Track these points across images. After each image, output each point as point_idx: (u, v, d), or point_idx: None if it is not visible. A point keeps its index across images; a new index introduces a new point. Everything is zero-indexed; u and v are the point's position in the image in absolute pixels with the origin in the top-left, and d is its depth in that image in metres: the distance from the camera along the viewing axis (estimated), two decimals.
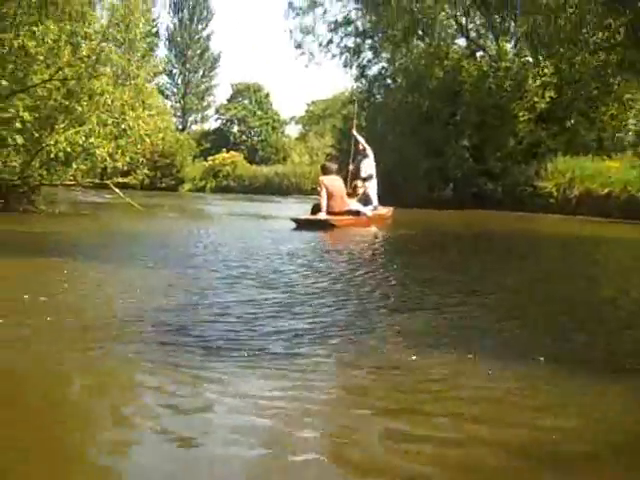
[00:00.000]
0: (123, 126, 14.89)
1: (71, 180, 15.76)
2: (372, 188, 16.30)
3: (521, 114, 24.60)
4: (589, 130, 24.36)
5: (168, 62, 66.71)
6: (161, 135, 17.19)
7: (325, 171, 14.96)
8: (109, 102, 14.74)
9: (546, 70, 24.06)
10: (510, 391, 3.16)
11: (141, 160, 16.81)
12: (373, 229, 14.25)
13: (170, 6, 66.51)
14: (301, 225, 13.38)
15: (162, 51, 68.81)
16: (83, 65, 14.76)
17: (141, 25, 15.42)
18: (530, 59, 25.31)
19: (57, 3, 14.89)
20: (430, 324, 4.60)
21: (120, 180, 16.67)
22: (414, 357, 3.64)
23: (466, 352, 3.76)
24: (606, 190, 20.30)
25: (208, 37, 67.92)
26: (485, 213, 21.33)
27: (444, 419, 2.80)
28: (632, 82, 14.19)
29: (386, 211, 16.87)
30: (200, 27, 67.46)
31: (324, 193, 14.10)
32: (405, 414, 2.87)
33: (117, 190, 16.41)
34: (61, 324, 4.22)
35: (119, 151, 15.16)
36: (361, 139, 16.90)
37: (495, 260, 9.25)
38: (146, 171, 43.21)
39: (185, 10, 66.62)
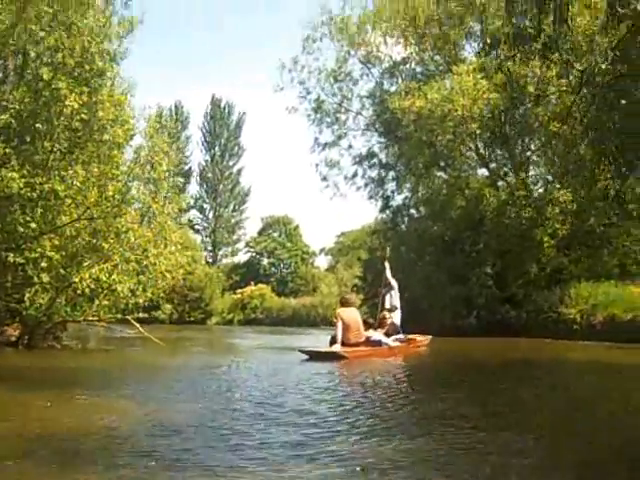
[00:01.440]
0: (145, 263, 15.33)
1: (94, 316, 16.10)
2: (396, 318, 16.50)
3: (544, 240, 24.80)
4: (611, 256, 24.41)
5: (199, 198, 68.67)
6: (181, 271, 17.47)
7: (343, 303, 15.23)
8: (132, 240, 15.24)
9: (565, 198, 24.39)
10: None
11: (162, 295, 17.06)
12: (393, 360, 14.24)
13: (203, 144, 68.96)
14: (312, 357, 13.50)
15: (194, 187, 70.95)
16: (109, 204, 15.33)
17: (164, 165, 16.02)
18: (548, 188, 25.76)
19: (86, 147, 15.62)
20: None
21: (141, 315, 16.95)
22: None
23: None
24: (630, 315, 20.17)
25: (239, 172, 69.89)
26: (508, 340, 21.16)
27: None
28: None
29: (423, 339, 17.19)
30: (231, 163, 69.59)
31: (340, 325, 14.28)
32: None
33: (138, 325, 16.71)
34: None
35: (140, 287, 15.55)
36: (388, 272, 17.23)
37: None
38: (168, 305, 44.24)
39: (217, 147, 68.83)
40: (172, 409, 6.81)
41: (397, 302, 16.85)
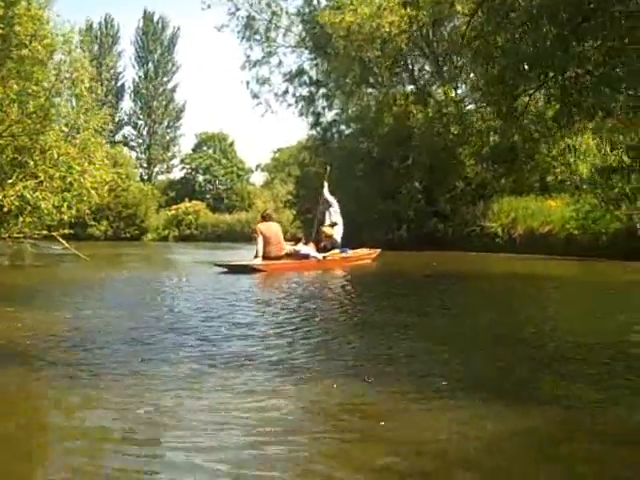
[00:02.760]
0: (69, 180, 15.39)
1: (19, 233, 16.18)
2: (338, 233, 16.92)
3: (468, 157, 25.44)
4: (533, 172, 25.12)
5: (133, 114, 67.57)
6: (106, 187, 17.54)
7: (264, 218, 15.60)
8: (56, 156, 15.26)
9: (489, 115, 24.86)
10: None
11: (87, 212, 17.14)
12: (322, 273, 14.56)
13: (136, 59, 67.49)
14: (229, 270, 13.88)
15: (127, 103, 69.70)
16: (30, 121, 15.27)
17: (86, 80, 15.94)
18: (473, 106, 26.22)
19: (5, 64, 15.43)
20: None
21: (69, 232, 17.04)
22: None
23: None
24: (547, 228, 21.00)
25: (173, 89, 68.73)
26: (436, 254, 21.82)
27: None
28: (575, 126, 14.90)
29: (369, 252, 17.73)
30: (165, 79, 68.29)
31: (260, 239, 14.65)
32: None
33: (64, 242, 16.84)
34: None
35: (65, 204, 15.63)
36: (326, 192, 17.56)
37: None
38: (104, 222, 44.17)
39: (150, 63, 67.45)
40: (100, 320, 7.10)
41: (338, 218, 17.29)
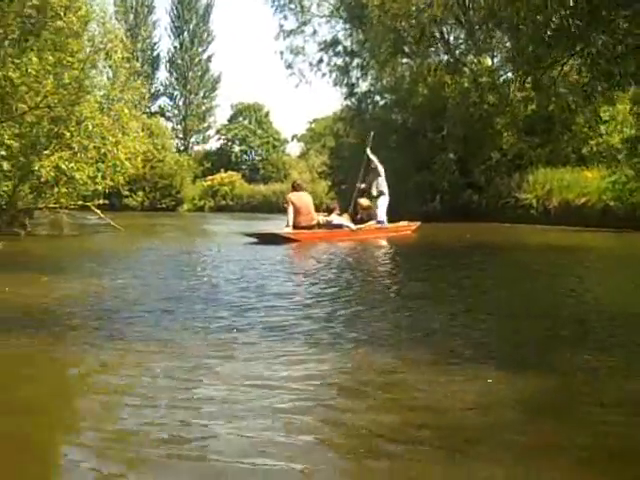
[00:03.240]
0: (103, 150, 15.56)
1: (56, 203, 16.42)
2: (382, 204, 16.93)
3: (504, 128, 25.18)
4: (570, 142, 24.81)
5: (169, 85, 67.71)
6: (140, 159, 17.69)
7: (295, 188, 15.67)
8: (90, 128, 15.41)
9: (526, 84, 24.53)
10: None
11: (122, 183, 17.31)
12: (352, 243, 14.57)
13: (171, 30, 67.48)
14: (260, 240, 13.98)
15: (163, 74, 69.87)
16: (66, 92, 15.42)
17: (119, 51, 16.04)
18: (511, 74, 25.86)
19: (40, 35, 15.59)
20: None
21: (102, 202, 17.26)
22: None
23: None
24: (582, 200, 20.77)
25: (209, 59, 68.66)
26: (470, 225, 21.74)
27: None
28: (606, 96, 14.63)
29: (410, 225, 17.73)
30: (200, 49, 68.23)
31: (291, 209, 14.77)
32: None
33: (98, 212, 17.07)
34: None
35: (100, 174, 15.82)
36: (374, 159, 17.49)
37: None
38: (140, 193, 44.58)
39: (186, 33, 67.43)
40: (133, 290, 7.24)
41: (384, 188, 17.28)
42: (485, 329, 5.34)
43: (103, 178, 16.04)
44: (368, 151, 17.78)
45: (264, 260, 10.46)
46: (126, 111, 16.49)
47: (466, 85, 26.05)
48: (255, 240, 14.05)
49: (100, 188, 16.20)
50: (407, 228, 17.51)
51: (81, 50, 16.55)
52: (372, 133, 18.71)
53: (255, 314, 5.71)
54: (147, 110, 48.31)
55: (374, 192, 17.26)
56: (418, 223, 18.10)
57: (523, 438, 2.97)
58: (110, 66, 16.54)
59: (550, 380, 3.85)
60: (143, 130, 46.23)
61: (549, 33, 10.26)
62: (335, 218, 15.66)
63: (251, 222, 25.95)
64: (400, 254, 13.00)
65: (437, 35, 27.79)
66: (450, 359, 4.25)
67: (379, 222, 16.57)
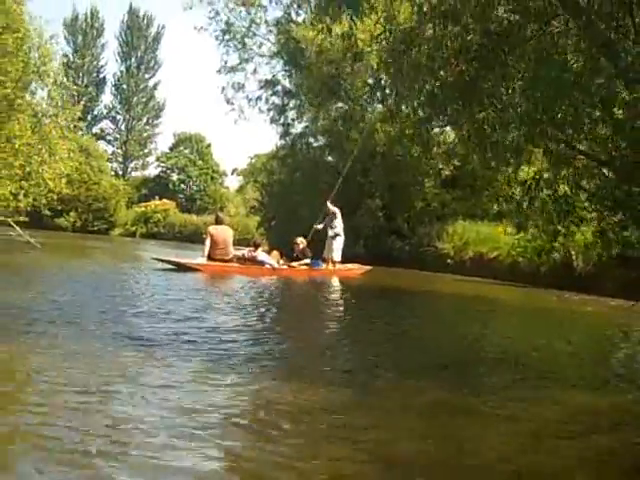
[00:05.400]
0: (28, 169, 15.82)
1: None
2: (338, 246, 18.23)
3: (427, 179, 26.11)
4: (489, 197, 25.73)
5: (113, 108, 67.74)
6: (64, 180, 17.94)
7: (216, 221, 16.20)
8: (17, 146, 15.68)
9: (451, 138, 25.49)
10: None
11: (44, 202, 17.54)
12: (264, 280, 14.85)
13: (119, 54, 67.69)
14: (169, 264, 14.69)
15: (107, 97, 69.92)
16: None
17: (52, 74, 16.37)
18: (437, 129, 26.85)
19: None
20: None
21: (21, 219, 17.44)
22: None
23: None
24: (495, 254, 21.66)
25: (154, 86, 69.04)
26: (391, 270, 22.43)
27: None
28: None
29: (349, 268, 18.43)
30: (147, 76, 68.58)
31: (208, 241, 15.29)
32: None
33: (17, 228, 17.22)
34: None
35: (22, 192, 16.05)
36: (333, 207, 18.85)
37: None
38: (72, 214, 44.46)
39: (133, 59, 67.70)
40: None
41: (340, 230, 18.21)
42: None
43: (25, 196, 16.30)
44: (328, 203, 18.53)
45: (159, 284, 11.02)
46: (54, 133, 16.79)
47: (393, 134, 26.86)
48: (167, 266, 14.51)
49: (22, 205, 16.45)
50: (349, 272, 18.14)
51: (16, 70, 16.77)
52: (337, 186, 19.42)
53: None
54: (84, 132, 48.34)
55: (331, 233, 18.05)
56: (367, 267, 18.73)
57: None
58: (43, 88, 16.81)
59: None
60: (81, 151, 46.39)
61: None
62: (260, 254, 16.11)
63: (173, 250, 26.23)
64: (312, 294, 13.54)
65: (371, 82, 28.59)
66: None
67: (314, 262, 17.03)
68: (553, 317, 12.01)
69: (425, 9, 9.04)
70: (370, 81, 28.41)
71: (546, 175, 9.56)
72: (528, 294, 16.98)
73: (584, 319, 11.81)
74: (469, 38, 8.59)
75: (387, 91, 28.97)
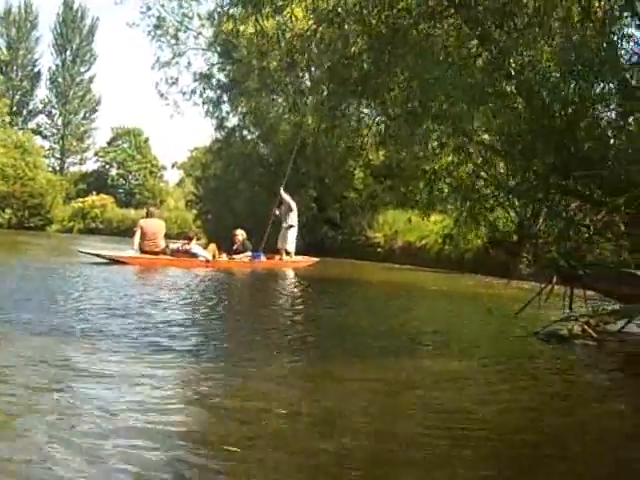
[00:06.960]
0: None
1: None
2: (291, 237, 18.82)
3: (357, 169, 26.57)
4: (419, 187, 26.30)
5: (48, 103, 66.83)
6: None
7: (147, 214, 16.50)
8: None
9: (380, 128, 25.93)
10: None
11: None
12: (200, 272, 14.71)
13: (54, 47, 66.73)
14: (95, 257, 15.00)
15: (43, 91, 68.96)
16: None
17: None
18: (367, 119, 27.27)
19: None
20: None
21: None
22: None
23: None
24: (423, 242, 22.23)
25: (91, 80, 68.18)
26: (324, 260, 22.78)
27: None
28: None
29: (293, 260, 18.83)
30: (83, 69, 67.74)
31: (138, 234, 15.57)
32: None
33: None
34: None
35: None
36: (287, 197, 19.20)
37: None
38: (8, 210, 44.04)
39: (68, 52, 66.81)
40: None
41: (295, 222, 18.94)
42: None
43: None
44: (281, 190, 18.80)
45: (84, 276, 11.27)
46: None
47: (323, 127, 27.19)
48: (89, 258, 14.77)
49: None
50: (298, 263, 18.62)
51: None
52: (287, 171, 19.77)
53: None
54: (19, 127, 47.76)
55: (285, 224, 18.42)
56: (315, 259, 19.28)
57: None
58: None
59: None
60: (16, 147, 45.77)
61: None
62: (194, 247, 16.29)
63: (107, 244, 26.22)
64: (251, 283, 13.94)
65: (302, 75, 28.89)
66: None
67: (255, 255, 17.23)
68: (463, 299, 12.59)
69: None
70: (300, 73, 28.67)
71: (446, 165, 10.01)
72: (447, 279, 17.50)
73: (483, 300, 12.22)
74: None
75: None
